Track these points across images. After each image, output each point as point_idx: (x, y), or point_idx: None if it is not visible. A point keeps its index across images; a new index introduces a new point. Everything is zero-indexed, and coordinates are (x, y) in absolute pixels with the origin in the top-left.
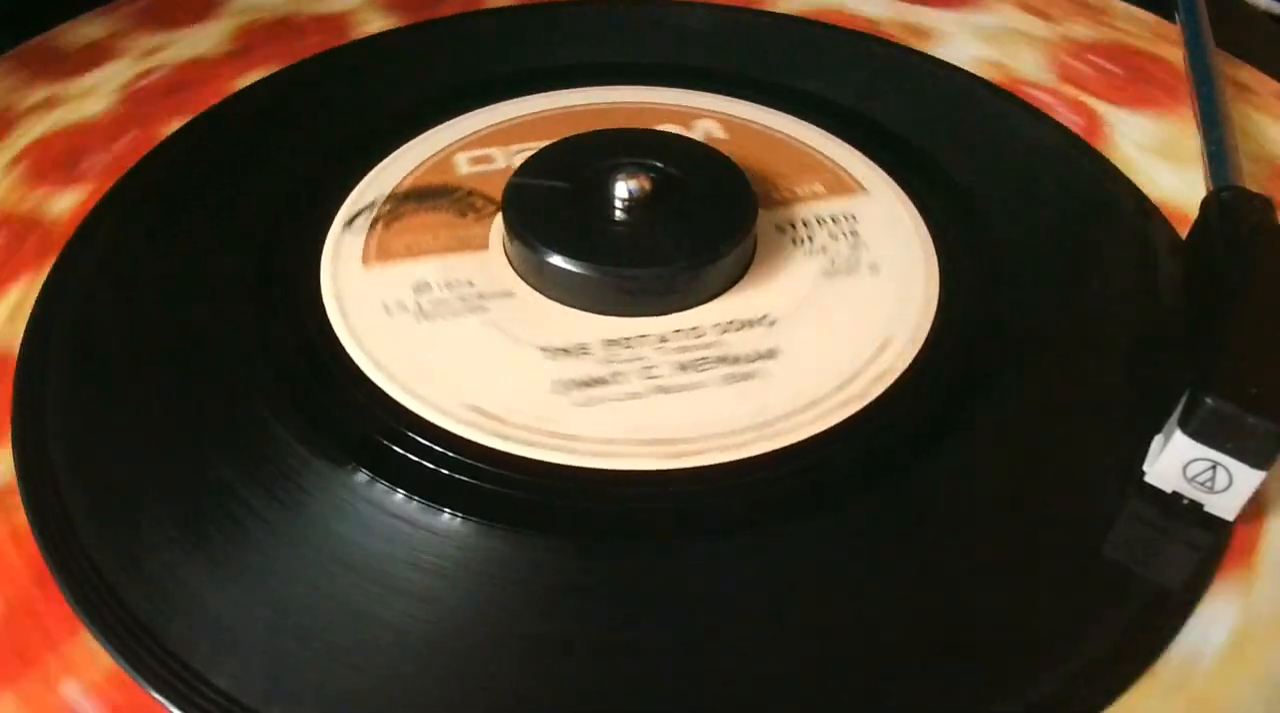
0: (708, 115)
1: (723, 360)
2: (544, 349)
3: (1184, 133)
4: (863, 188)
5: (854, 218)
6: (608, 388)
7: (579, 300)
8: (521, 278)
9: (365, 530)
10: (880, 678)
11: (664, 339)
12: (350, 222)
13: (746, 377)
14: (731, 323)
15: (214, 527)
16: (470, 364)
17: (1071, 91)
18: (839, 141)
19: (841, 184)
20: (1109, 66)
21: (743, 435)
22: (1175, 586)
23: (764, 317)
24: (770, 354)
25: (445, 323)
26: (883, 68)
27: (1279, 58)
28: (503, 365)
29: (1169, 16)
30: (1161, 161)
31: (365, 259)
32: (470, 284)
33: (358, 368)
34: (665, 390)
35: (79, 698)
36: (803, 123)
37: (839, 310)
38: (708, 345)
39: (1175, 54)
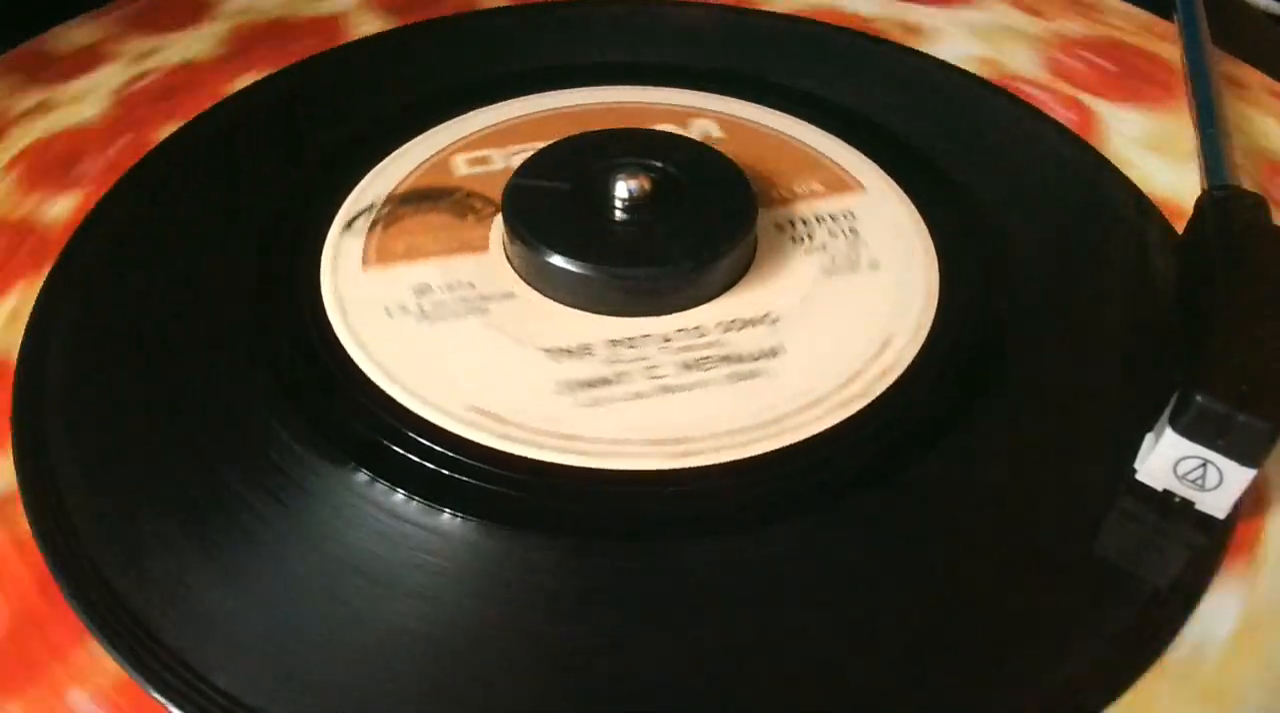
0: (706, 115)
1: (726, 360)
2: (547, 350)
3: (1179, 128)
4: (860, 185)
5: (852, 215)
6: (612, 388)
7: (581, 301)
8: (523, 279)
9: (367, 531)
10: (881, 677)
11: (667, 339)
12: (349, 224)
13: (750, 376)
14: (734, 322)
15: (216, 529)
16: (472, 365)
17: (1065, 88)
18: (836, 140)
19: (839, 182)
20: (1102, 62)
21: (746, 434)
22: (1166, 583)
23: (766, 315)
24: (773, 353)
25: (447, 325)
26: (879, 66)
27: (1278, 57)
28: (505, 366)
29: (1166, 15)
30: (1155, 156)
31: (365, 262)
32: (471, 286)
33: (359, 369)
34: (669, 390)
35: (86, 705)
36: (799, 122)
37: (840, 308)
38: (710, 345)
39: (1169, 51)
